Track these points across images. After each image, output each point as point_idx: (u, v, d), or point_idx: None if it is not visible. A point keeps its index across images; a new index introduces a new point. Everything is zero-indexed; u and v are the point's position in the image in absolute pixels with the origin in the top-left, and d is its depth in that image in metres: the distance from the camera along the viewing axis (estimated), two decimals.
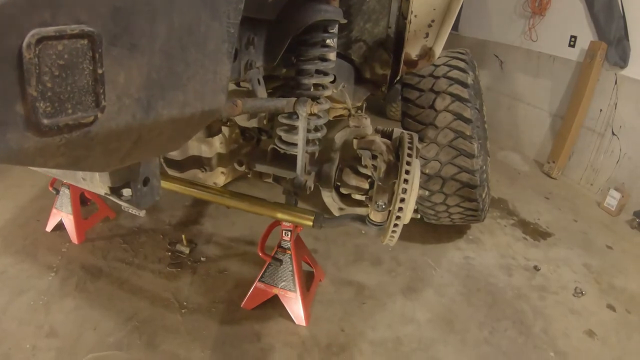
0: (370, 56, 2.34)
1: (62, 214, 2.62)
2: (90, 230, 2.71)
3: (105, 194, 0.95)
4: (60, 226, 2.65)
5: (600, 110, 3.77)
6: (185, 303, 2.23)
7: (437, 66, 2.56)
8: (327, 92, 1.70)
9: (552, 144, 4.25)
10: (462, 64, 2.56)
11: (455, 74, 2.48)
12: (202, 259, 2.57)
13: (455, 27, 5.14)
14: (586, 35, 3.79)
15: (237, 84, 1.61)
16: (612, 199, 3.50)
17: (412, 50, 2.28)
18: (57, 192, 2.62)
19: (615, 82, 3.61)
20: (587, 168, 3.94)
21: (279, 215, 1.79)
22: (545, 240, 3.07)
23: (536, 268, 2.76)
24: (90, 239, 2.64)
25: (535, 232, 3.16)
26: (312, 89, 1.65)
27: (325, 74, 1.68)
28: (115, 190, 0.95)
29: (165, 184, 1.93)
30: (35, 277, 2.30)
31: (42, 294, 2.20)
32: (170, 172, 2.06)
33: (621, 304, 2.49)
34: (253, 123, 1.83)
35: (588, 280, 2.68)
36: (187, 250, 2.60)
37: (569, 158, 4.08)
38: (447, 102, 2.39)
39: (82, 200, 2.76)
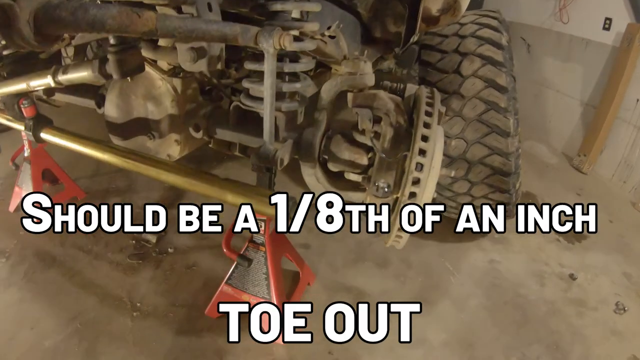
0: (381, 9, 1.94)
1: (24, 193, 2.37)
2: None
3: None
4: None
5: (637, 100, 3.38)
6: (139, 304, 1.90)
7: (463, 24, 2.15)
8: (312, 27, 1.23)
9: (582, 135, 3.90)
10: (494, 22, 2.14)
11: (486, 32, 2.06)
12: (169, 250, 2.24)
13: (479, 5, 4.82)
14: (623, 18, 3.41)
15: (179, 9, 1.14)
16: None
17: (432, 3, 1.88)
18: (17, 167, 2.44)
19: None
20: (621, 164, 3.57)
21: (229, 199, 1.31)
22: (580, 243, 2.69)
23: (572, 277, 2.36)
24: None
25: (569, 233, 2.78)
26: (290, 21, 1.19)
27: None
28: None
29: (101, 156, 1.49)
30: None
31: None
32: (115, 140, 1.62)
33: None
34: (200, 66, 1.30)
35: (629, 293, 2.30)
36: (153, 239, 2.27)
37: (601, 152, 3.72)
38: (476, 66, 1.98)
39: (52, 179, 2.52)
